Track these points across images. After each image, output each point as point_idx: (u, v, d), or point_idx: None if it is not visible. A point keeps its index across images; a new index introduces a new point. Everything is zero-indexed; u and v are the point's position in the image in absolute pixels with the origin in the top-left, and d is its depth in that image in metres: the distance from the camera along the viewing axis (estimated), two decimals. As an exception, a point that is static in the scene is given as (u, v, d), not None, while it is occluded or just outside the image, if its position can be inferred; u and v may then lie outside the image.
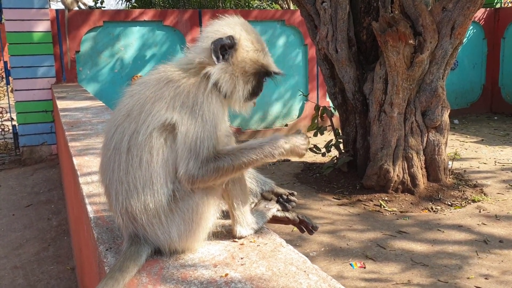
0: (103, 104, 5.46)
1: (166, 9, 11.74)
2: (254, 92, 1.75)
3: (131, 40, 8.55)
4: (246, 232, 1.72)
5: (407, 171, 5.73)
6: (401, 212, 5.28)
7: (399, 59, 5.41)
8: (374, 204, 5.51)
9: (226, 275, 1.38)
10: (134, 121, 1.58)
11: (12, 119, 8.30)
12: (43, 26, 7.78)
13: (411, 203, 5.50)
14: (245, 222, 1.72)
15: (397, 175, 5.70)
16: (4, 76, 8.19)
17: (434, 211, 5.26)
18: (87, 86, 8.19)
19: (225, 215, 1.80)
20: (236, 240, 1.68)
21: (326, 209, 5.42)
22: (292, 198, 1.98)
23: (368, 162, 5.99)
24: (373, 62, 6.13)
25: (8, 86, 8.31)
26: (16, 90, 7.82)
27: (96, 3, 10.61)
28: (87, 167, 2.61)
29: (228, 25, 1.71)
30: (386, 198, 5.61)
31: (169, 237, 1.55)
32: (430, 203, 5.46)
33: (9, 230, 5.14)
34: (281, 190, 1.99)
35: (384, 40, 5.42)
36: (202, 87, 1.61)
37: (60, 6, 8.79)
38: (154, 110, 1.56)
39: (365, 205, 5.51)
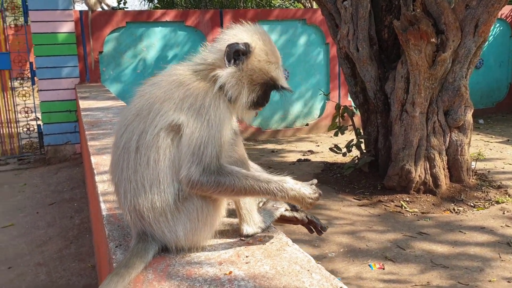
0: (125, 104, 5.53)
1: (188, 9, 11.82)
2: (259, 102, 1.74)
3: (153, 41, 8.64)
4: (252, 231, 1.73)
5: (429, 171, 5.64)
6: (422, 213, 5.20)
7: (421, 58, 5.33)
8: (395, 205, 5.44)
9: (230, 273, 1.39)
10: (143, 120, 1.60)
11: (38, 118, 8.48)
12: (67, 27, 7.92)
13: (433, 204, 5.41)
14: (252, 221, 1.72)
15: (419, 176, 5.62)
16: (30, 76, 8.36)
17: (456, 212, 5.17)
18: (110, 86, 8.31)
19: (233, 213, 1.81)
20: (243, 238, 1.69)
21: (346, 210, 5.38)
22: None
23: (390, 162, 5.92)
24: (395, 60, 6.05)
25: (34, 86, 8.49)
26: (41, 90, 7.98)
27: (119, 3, 10.76)
28: (104, 166, 2.65)
29: (247, 32, 1.73)
30: (407, 199, 5.54)
31: (175, 235, 1.56)
32: (452, 204, 5.36)
33: (33, 228, 5.25)
34: None
35: (405, 38, 5.35)
36: (210, 90, 1.62)
37: (84, 7, 8.94)
38: (163, 110, 1.58)
39: (386, 206, 5.45)
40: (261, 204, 1.91)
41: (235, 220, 1.80)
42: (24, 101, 8.24)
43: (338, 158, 7.38)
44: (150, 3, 12.84)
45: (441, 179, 5.62)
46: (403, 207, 5.36)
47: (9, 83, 8.21)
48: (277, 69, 1.75)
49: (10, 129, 8.34)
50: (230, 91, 1.65)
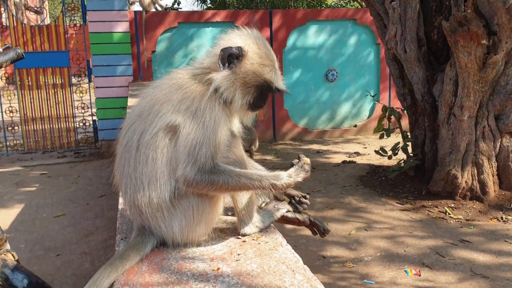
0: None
1: (239, 9, 11.97)
2: (256, 104, 1.79)
3: (204, 41, 8.83)
4: (250, 230, 1.77)
5: (476, 177, 5.44)
6: (467, 220, 5.04)
7: (470, 60, 5.15)
8: (439, 211, 5.30)
9: (218, 269, 1.45)
10: (144, 121, 1.69)
11: (93, 114, 8.88)
12: (122, 27, 8.24)
13: (479, 211, 5.22)
14: (250, 220, 1.77)
15: (466, 181, 5.44)
16: (87, 74, 8.76)
17: (504, 221, 4.96)
18: (161, 84, 8.56)
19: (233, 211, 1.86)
20: (240, 237, 1.74)
21: (387, 214, 5.30)
22: (304, 200, 2.00)
23: (436, 167, 5.76)
24: (445, 62, 5.88)
25: (90, 83, 8.89)
26: (97, 87, 8.36)
27: (173, 4, 11.05)
28: None
29: (241, 36, 1.78)
30: (452, 205, 5.38)
31: (171, 231, 1.64)
32: (500, 212, 5.15)
33: (82, 218, 5.53)
34: (294, 192, 2.01)
35: (454, 40, 5.19)
36: (206, 93, 1.68)
37: (138, 7, 9.27)
38: (162, 111, 1.66)
39: (429, 211, 5.32)
40: (263, 205, 1.95)
41: (234, 218, 1.85)
42: (81, 97, 8.65)
43: (385, 161, 7.26)
44: (203, 4, 13.11)
45: (489, 185, 5.41)
46: (447, 213, 5.20)
47: (68, 80, 8.64)
48: (272, 71, 1.78)
49: (68, 124, 8.78)
50: (225, 94, 1.71)
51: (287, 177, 1.67)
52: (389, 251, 4.36)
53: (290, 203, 1.99)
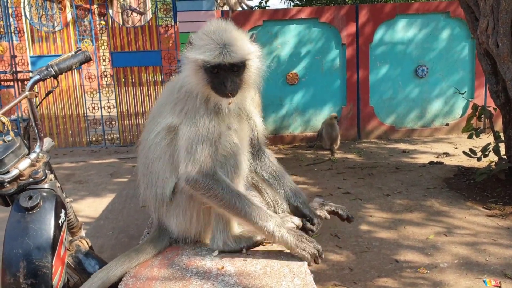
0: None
1: (324, 6, 11.84)
2: (217, 87, 1.74)
3: (288, 38, 8.87)
4: (216, 246, 1.73)
5: None
6: (562, 230, 4.60)
7: None
8: (531, 219, 4.88)
9: (222, 268, 1.48)
10: (153, 121, 1.79)
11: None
12: (209, 27, 8.51)
13: None
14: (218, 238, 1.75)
15: None
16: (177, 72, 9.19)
17: None
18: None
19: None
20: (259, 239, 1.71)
21: (471, 219, 4.98)
22: (309, 227, 1.89)
23: (531, 171, 5.32)
24: (543, 57, 5.39)
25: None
26: (185, 84, 8.74)
27: (261, 3, 11.21)
28: None
29: (198, 30, 1.82)
30: (547, 213, 4.93)
31: (170, 226, 1.70)
32: None
33: (134, 197, 5.80)
34: (306, 212, 1.92)
35: (553, 32, 4.74)
36: (190, 95, 1.73)
37: (226, 7, 9.53)
38: (164, 113, 1.76)
39: (520, 218, 4.92)
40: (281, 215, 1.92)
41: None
42: (171, 94, 9.10)
43: (475, 163, 6.81)
44: (290, 1, 13.13)
45: None
46: (541, 221, 4.78)
47: (160, 78, 9.13)
48: (203, 49, 1.73)
49: (159, 119, 9.30)
50: (191, 91, 1.74)
51: (278, 228, 1.59)
52: (468, 259, 4.11)
53: (302, 227, 1.90)
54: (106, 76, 9.15)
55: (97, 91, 9.15)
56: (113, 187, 6.89)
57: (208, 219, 1.73)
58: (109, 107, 9.15)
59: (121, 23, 10.23)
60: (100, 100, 9.11)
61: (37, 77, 2.20)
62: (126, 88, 9.11)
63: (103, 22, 9.37)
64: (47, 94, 2.41)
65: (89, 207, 5.98)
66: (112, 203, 6.18)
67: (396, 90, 9.14)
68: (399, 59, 9.02)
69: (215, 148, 1.70)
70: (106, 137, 9.37)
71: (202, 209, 1.73)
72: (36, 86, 2.23)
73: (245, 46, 1.85)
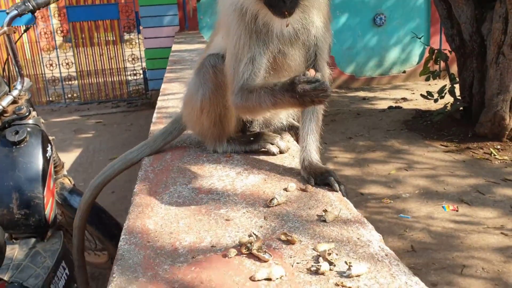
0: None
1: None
2: (269, 1, 1.55)
3: (248, -12, 8.78)
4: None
5: (525, 118, 5.31)
6: (512, 160, 4.97)
7: (521, -5, 4.93)
8: (484, 152, 5.24)
9: (230, 155, 1.75)
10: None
11: (144, 67, 9.20)
12: (168, -23, 8.33)
13: (526, 152, 5.13)
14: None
15: (513, 123, 5.32)
16: (136, 25, 9.00)
17: (551, 161, 4.87)
18: (207, 33, 8.67)
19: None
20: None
21: (429, 155, 5.30)
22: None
23: (483, 109, 5.65)
24: (495, 0, 5.63)
25: (139, 34, 9.15)
26: (145, 38, 8.59)
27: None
28: (169, 90, 3.15)
29: None
30: (498, 147, 5.30)
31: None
32: (548, 153, 5.04)
33: (102, 151, 5.86)
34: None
35: (505, -27, 4.96)
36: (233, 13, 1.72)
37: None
38: (217, 36, 1.97)
39: (474, 152, 5.27)
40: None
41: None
42: (131, 49, 8.94)
43: (432, 106, 7.13)
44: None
45: (538, 126, 5.27)
46: (492, 154, 5.14)
47: (118, 32, 8.92)
48: None
49: (120, 76, 9.15)
50: (242, 7, 1.63)
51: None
52: (428, 189, 4.41)
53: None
54: (62, 31, 8.87)
55: (54, 47, 8.87)
56: (78, 142, 6.84)
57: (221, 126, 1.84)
58: (67, 64, 8.91)
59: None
60: (58, 58, 8.84)
61: (15, 12, 2.19)
62: (84, 43, 8.86)
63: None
64: (25, 31, 2.40)
65: (57, 162, 5.96)
66: (80, 157, 6.16)
67: (356, 39, 9.30)
68: (358, 8, 9.13)
69: (257, 69, 1.62)
70: (66, 96, 9.17)
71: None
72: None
73: None
